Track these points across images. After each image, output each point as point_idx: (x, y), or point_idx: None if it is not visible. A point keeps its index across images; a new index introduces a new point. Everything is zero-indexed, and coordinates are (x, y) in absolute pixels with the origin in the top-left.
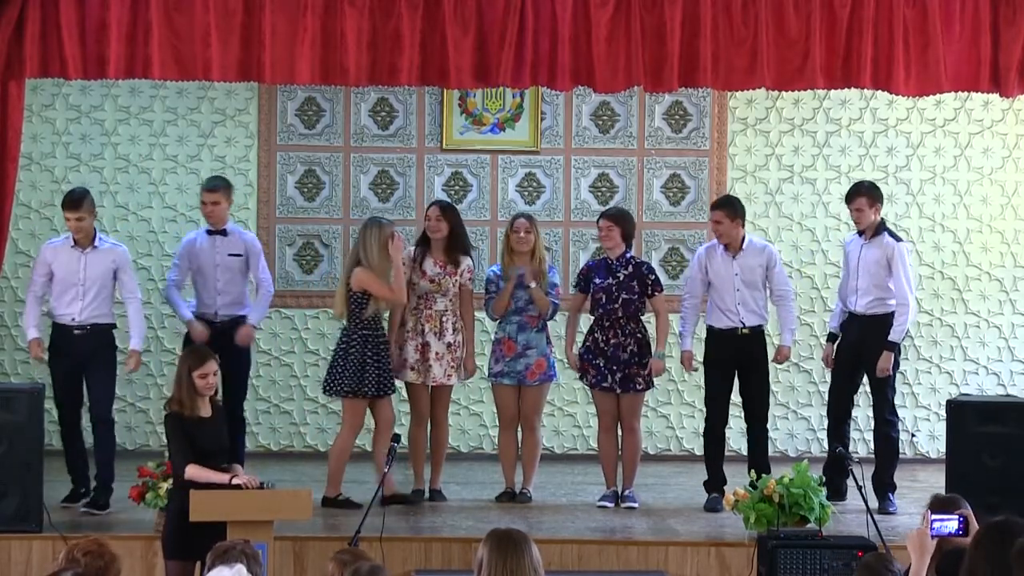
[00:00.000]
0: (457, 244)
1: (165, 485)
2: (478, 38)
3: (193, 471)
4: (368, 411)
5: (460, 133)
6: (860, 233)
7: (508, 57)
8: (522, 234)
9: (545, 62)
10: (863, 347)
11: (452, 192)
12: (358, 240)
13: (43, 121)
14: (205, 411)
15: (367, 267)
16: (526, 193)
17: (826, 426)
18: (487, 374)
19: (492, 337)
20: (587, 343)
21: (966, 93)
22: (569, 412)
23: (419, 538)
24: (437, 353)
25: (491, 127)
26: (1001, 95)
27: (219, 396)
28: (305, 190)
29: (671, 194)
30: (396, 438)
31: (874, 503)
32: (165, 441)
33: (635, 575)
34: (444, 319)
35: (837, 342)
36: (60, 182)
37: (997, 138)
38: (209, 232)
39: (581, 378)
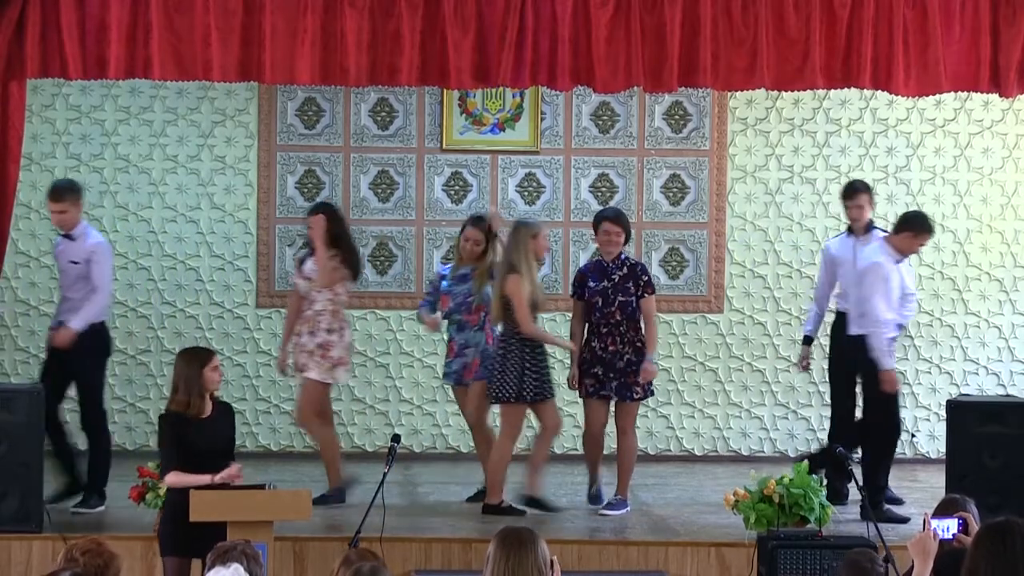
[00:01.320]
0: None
1: (165, 485)
2: (478, 38)
3: (173, 478)
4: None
5: (460, 133)
6: (849, 232)
7: (508, 57)
8: (470, 246)
9: (545, 62)
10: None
11: (452, 192)
12: (509, 244)
13: (43, 121)
14: (206, 410)
15: (518, 272)
16: (526, 193)
17: (828, 428)
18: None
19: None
20: (583, 353)
21: (966, 93)
22: (569, 412)
23: (419, 538)
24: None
25: (491, 127)
26: (1001, 95)
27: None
28: (305, 190)
29: (671, 194)
30: (396, 438)
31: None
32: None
33: (635, 575)
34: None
35: (818, 344)
36: None
37: (997, 138)
38: (64, 236)
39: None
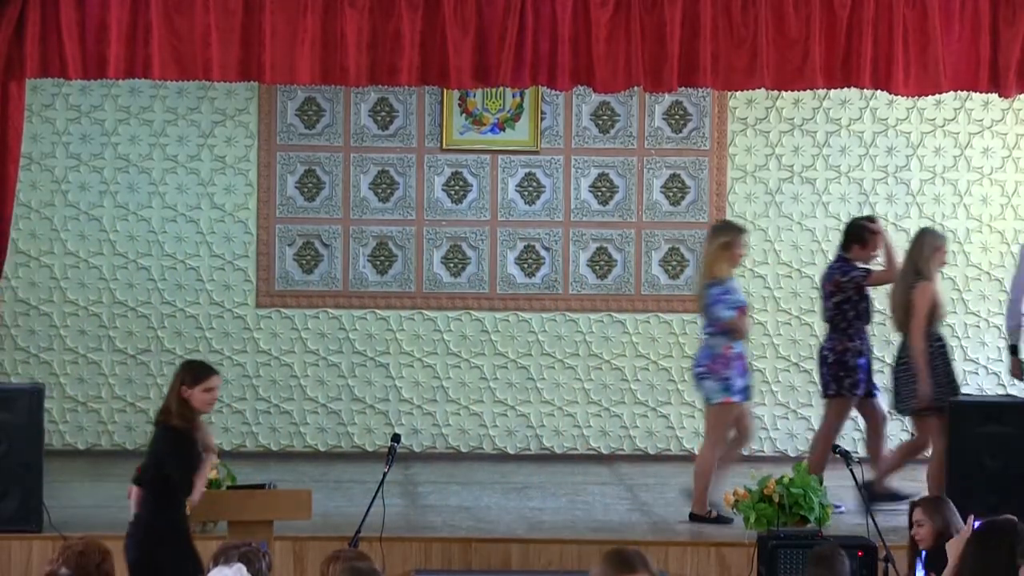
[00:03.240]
0: None
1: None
2: (478, 38)
3: (198, 491)
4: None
5: (460, 133)
6: None
7: (508, 57)
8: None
9: (545, 62)
10: None
11: (452, 192)
12: (912, 249)
13: (43, 121)
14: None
15: (928, 280)
16: (526, 193)
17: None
18: (730, 390)
19: (728, 351)
20: (864, 351)
21: (966, 93)
22: (569, 412)
23: (419, 538)
24: None
25: (491, 127)
26: (1000, 95)
27: None
28: (305, 190)
29: (671, 194)
30: (396, 438)
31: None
32: (154, 450)
33: None
34: None
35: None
36: (60, 182)
37: (997, 138)
38: None
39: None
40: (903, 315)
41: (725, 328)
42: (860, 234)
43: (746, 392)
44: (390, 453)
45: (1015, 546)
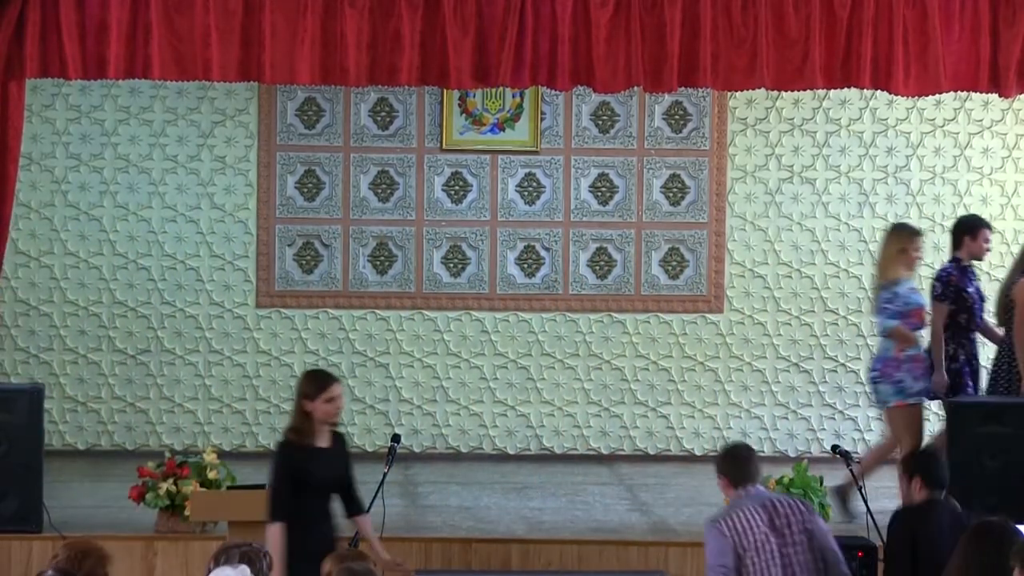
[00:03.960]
0: None
1: (165, 485)
2: (478, 38)
3: (271, 535)
4: None
5: (460, 133)
6: None
7: (508, 57)
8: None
9: (545, 62)
10: None
11: (452, 192)
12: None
13: (43, 121)
14: (323, 441)
15: None
16: (526, 193)
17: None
18: (903, 393)
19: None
20: (960, 357)
21: (965, 93)
22: (569, 412)
23: (419, 538)
24: None
25: (491, 127)
26: (1000, 95)
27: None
28: (305, 190)
29: (671, 194)
30: (396, 438)
31: None
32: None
33: (635, 575)
34: None
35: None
36: (60, 182)
37: (997, 138)
38: None
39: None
40: (1003, 311)
41: (891, 335)
42: (969, 225)
43: (923, 394)
44: (390, 453)
45: (1006, 547)
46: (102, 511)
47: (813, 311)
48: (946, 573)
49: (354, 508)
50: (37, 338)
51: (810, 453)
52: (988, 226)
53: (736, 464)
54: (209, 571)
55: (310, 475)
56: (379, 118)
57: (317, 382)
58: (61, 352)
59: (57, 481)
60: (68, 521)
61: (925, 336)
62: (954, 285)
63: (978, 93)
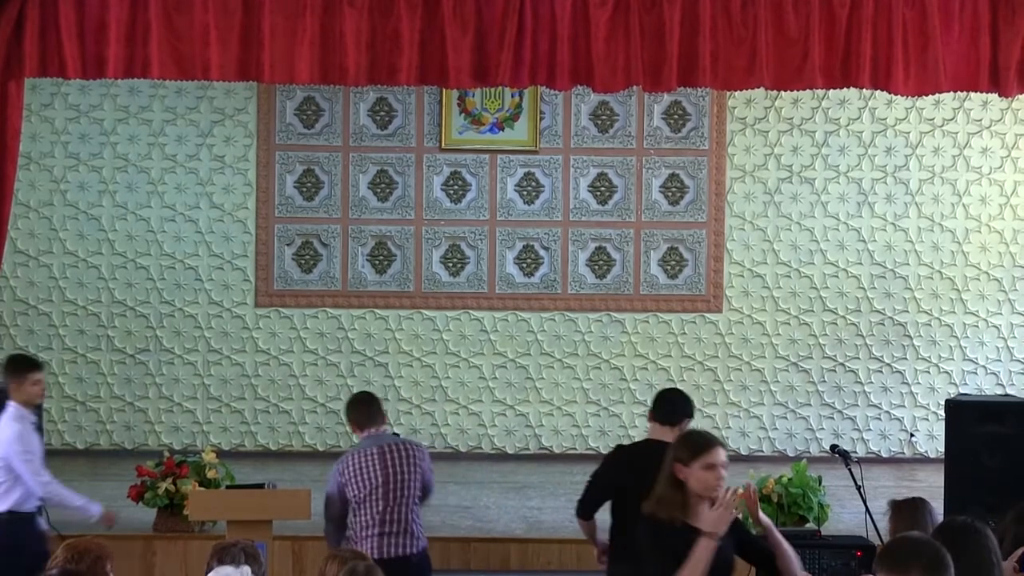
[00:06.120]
0: None
1: (164, 485)
2: (477, 38)
3: None
4: None
5: (459, 133)
6: None
7: (507, 57)
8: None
9: (544, 62)
10: None
11: (451, 192)
12: None
13: (42, 120)
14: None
15: None
16: (525, 193)
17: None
18: None
19: None
20: None
21: (965, 93)
22: (568, 411)
23: None
24: None
25: (490, 127)
26: (1000, 95)
27: None
28: (304, 189)
29: (670, 194)
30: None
31: None
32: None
33: None
34: None
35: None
36: (59, 181)
37: (996, 138)
38: None
39: None
40: None
41: None
42: None
43: None
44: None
45: (985, 546)
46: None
47: (812, 311)
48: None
49: None
50: (36, 337)
51: (809, 452)
52: None
53: (358, 408)
54: (210, 569)
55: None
56: (378, 117)
57: (695, 444)
58: (60, 351)
59: (56, 480)
60: (67, 520)
61: None
62: None
63: (978, 93)
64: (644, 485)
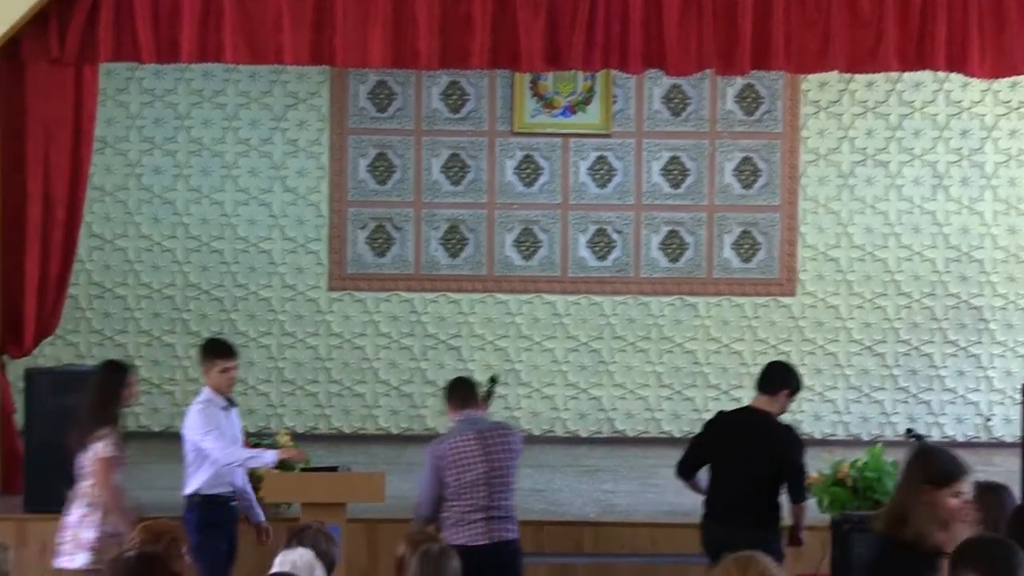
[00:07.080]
0: None
1: None
2: (549, 21)
3: None
4: None
5: (531, 116)
6: None
7: (579, 40)
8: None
9: (616, 45)
10: None
11: (523, 175)
12: None
13: (117, 105)
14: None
15: None
16: (597, 176)
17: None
18: None
19: None
20: None
21: None
22: (641, 395)
23: None
24: None
25: (562, 110)
26: None
27: None
28: (377, 173)
29: (743, 177)
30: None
31: None
32: None
33: (690, 557)
34: None
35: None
36: (134, 165)
37: None
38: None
39: None
40: None
41: None
42: None
43: None
44: (488, 396)
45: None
46: (176, 493)
47: (886, 294)
48: None
49: None
50: (112, 320)
51: (884, 437)
52: None
53: (458, 390)
54: (284, 548)
55: None
56: (450, 101)
57: (946, 470)
58: (136, 334)
59: (132, 463)
60: (143, 503)
61: None
62: None
63: None
64: (738, 450)
